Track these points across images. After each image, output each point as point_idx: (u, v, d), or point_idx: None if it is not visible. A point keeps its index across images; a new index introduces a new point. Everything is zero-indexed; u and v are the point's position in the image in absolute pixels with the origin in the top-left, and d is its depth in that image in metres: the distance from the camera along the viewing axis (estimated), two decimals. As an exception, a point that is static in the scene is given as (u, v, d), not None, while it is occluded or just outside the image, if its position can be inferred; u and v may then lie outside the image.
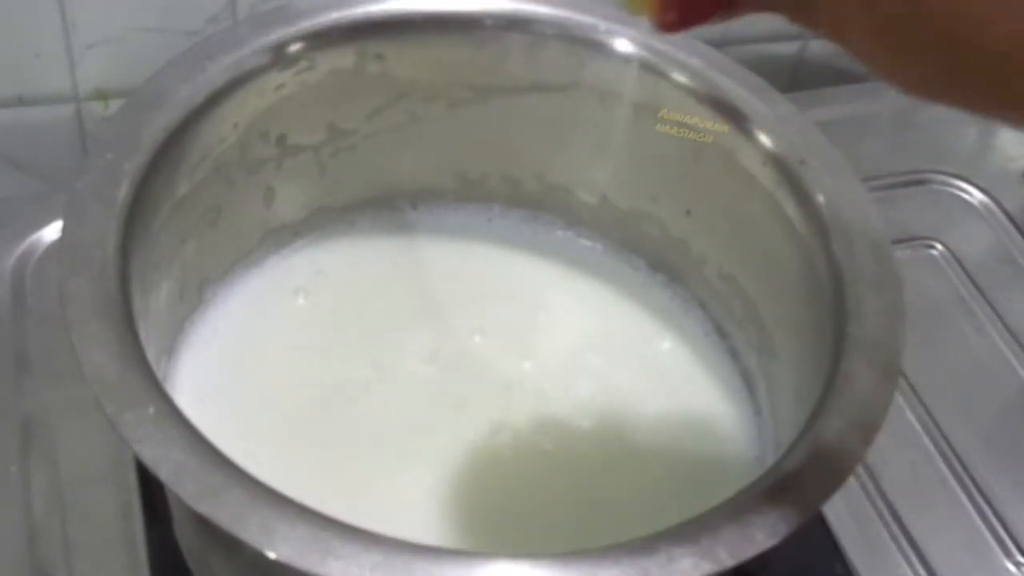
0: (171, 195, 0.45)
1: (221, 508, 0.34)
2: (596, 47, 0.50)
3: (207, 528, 0.37)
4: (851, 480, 0.38)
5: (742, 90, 0.49)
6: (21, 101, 0.61)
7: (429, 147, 0.53)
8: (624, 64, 0.50)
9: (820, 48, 0.73)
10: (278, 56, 0.47)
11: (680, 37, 0.50)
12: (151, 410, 0.36)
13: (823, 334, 0.43)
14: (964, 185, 0.66)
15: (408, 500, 0.45)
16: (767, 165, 0.47)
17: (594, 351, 0.51)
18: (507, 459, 0.47)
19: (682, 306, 0.53)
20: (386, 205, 0.54)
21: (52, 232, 0.56)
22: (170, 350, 0.47)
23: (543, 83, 0.51)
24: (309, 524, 0.34)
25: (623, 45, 0.50)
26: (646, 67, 0.50)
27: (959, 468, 0.54)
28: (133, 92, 0.45)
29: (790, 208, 0.47)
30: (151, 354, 0.39)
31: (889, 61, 0.28)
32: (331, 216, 0.53)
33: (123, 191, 0.42)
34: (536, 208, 0.55)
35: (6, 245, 0.56)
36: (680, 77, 0.49)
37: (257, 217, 0.51)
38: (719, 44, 0.50)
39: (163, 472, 0.35)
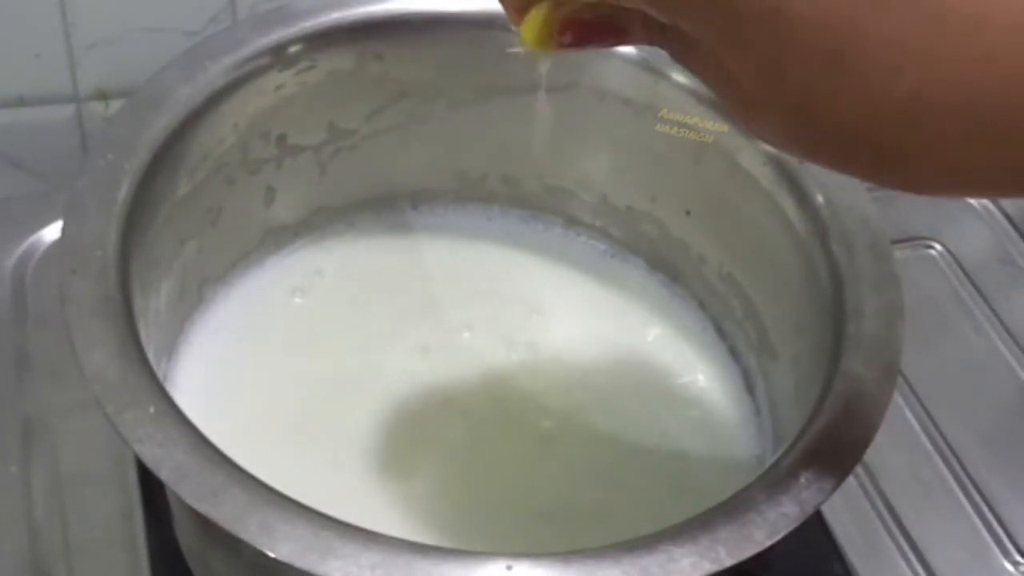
0: (171, 195, 0.45)
1: (221, 508, 0.34)
2: (596, 47, 0.50)
3: (207, 528, 0.37)
4: (850, 480, 0.38)
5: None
6: (21, 101, 0.61)
7: (429, 147, 0.53)
8: (624, 64, 0.50)
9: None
10: (278, 56, 0.48)
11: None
12: (151, 410, 0.36)
13: (823, 334, 0.43)
14: (963, 185, 0.66)
15: (405, 498, 0.45)
16: (767, 165, 0.47)
17: (593, 350, 0.51)
18: (505, 458, 0.47)
19: (681, 306, 0.53)
20: (386, 205, 0.55)
21: (52, 232, 0.56)
22: (170, 350, 0.47)
23: (543, 83, 0.51)
24: (309, 523, 0.34)
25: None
26: (646, 67, 0.50)
27: (958, 468, 0.54)
28: (133, 92, 0.45)
29: (790, 208, 0.47)
30: (151, 354, 0.39)
31: (756, 121, 0.31)
32: (331, 216, 0.53)
33: (123, 191, 0.42)
34: (536, 208, 0.55)
35: (6, 245, 0.56)
36: (680, 77, 0.49)
37: (257, 217, 0.51)
38: (719, 44, 0.50)
39: (163, 472, 0.35)
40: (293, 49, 0.48)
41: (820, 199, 0.46)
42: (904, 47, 0.27)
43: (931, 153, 0.28)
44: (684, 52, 0.32)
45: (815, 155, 0.30)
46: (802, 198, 0.46)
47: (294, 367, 0.49)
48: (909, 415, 0.56)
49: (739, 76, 0.30)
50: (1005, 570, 0.51)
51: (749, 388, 0.50)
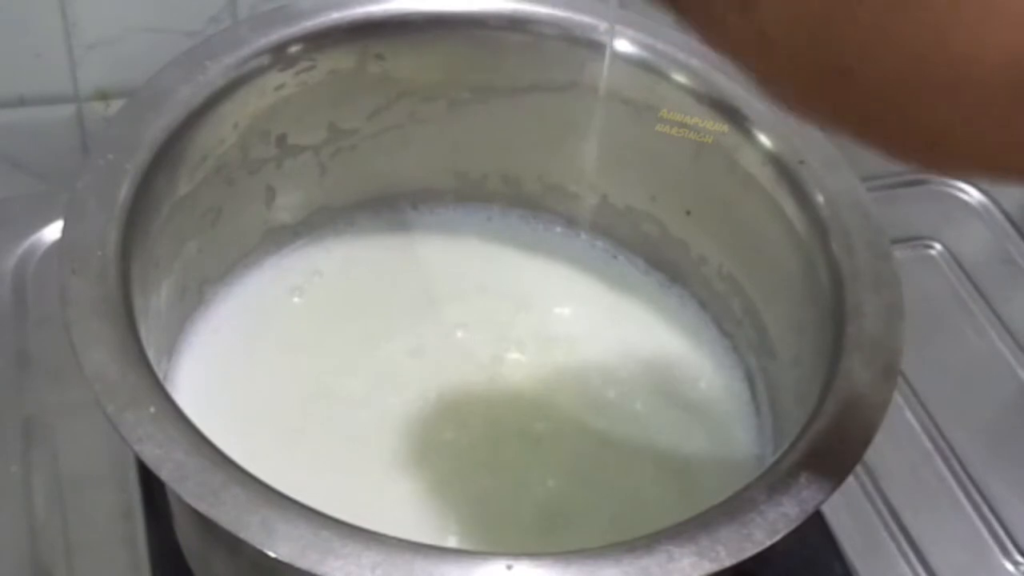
0: (171, 195, 0.45)
1: (221, 507, 0.34)
2: (596, 47, 0.50)
3: (208, 527, 0.37)
4: (850, 480, 0.38)
5: (742, 90, 0.49)
6: (22, 101, 0.61)
7: (429, 147, 0.53)
8: (624, 64, 0.50)
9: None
10: (278, 56, 0.48)
11: (680, 37, 0.50)
12: (151, 410, 0.36)
13: (823, 334, 0.43)
14: (963, 185, 0.66)
15: (405, 497, 0.45)
16: (767, 165, 0.47)
17: (592, 350, 0.51)
18: (505, 457, 0.47)
19: (681, 305, 0.53)
20: (386, 205, 0.55)
21: (53, 232, 0.56)
22: (170, 350, 0.47)
23: (543, 83, 0.51)
24: (309, 523, 0.34)
25: (623, 45, 0.50)
26: (646, 67, 0.50)
27: (958, 468, 0.54)
28: (133, 92, 0.45)
29: (790, 208, 0.47)
30: (151, 354, 0.39)
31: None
32: (331, 216, 0.53)
33: (123, 191, 0.42)
34: (536, 208, 0.55)
35: (7, 245, 0.56)
36: (680, 77, 0.49)
37: (257, 217, 0.51)
38: (719, 44, 0.50)
39: (164, 472, 0.35)
40: (293, 49, 0.48)
41: (820, 199, 0.46)
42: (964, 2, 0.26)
43: (967, 125, 0.27)
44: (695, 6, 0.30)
45: (841, 122, 0.29)
46: (802, 198, 0.46)
47: (294, 367, 0.49)
48: (909, 415, 0.56)
49: (770, 30, 0.28)
50: (1005, 570, 0.51)
51: (749, 388, 0.50)
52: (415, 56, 0.50)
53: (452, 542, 0.43)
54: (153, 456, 0.35)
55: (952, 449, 0.55)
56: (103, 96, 0.62)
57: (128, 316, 0.39)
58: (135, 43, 0.60)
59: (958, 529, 0.52)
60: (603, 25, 0.50)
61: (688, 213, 0.52)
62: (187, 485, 0.34)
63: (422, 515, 0.45)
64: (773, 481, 0.37)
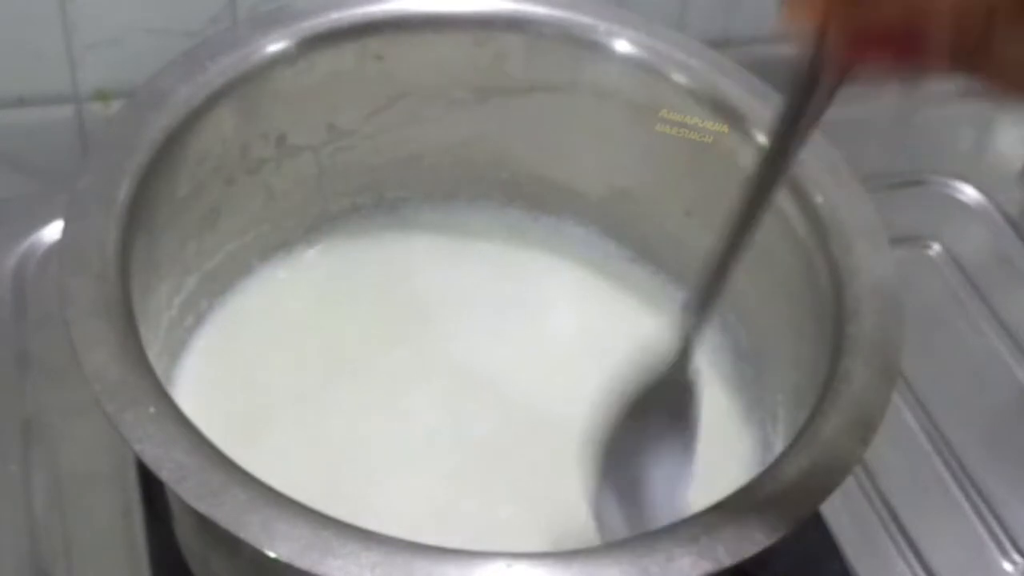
0: (171, 195, 0.45)
1: (221, 508, 0.34)
2: (596, 47, 0.50)
3: (207, 527, 0.37)
4: (849, 480, 0.38)
5: (741, 91, 0.49)
6: (21, 101, 0.61)
7: (429, 147, 0.53)
8: (624, 64, 0.50)
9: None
10: (278, 56, 0.48)
11: (680, 37, 0.50)
12: (151, 410, 0.36)
13: (822, 334, 0.43)
14: (962, 186, 0.66)
15: (406, 496, 0.45)
16: (766, 165, 0.47)
17: (592, 350, 0.51)
18: (504, 455, 0.47)
19: (681, 306, 0.53)
20: (385, 205, 0.55)
21: (52, 232, 0.56)
22: (170, 350, 0.47)
23: (543, 83, 0.51)
24: (309, 523, 0.34)
25: (623, 45, 0.50)
26: (646, 67, 0.50)
27: (957, 468, 0.54)
28: (133, 92, 0.45)
29: (790, 208, 0.47)
30: (151, 354, 0.39)
31: None
32: (330, 216, 0.54)
33: (123, 191, 0.42)
34: (535, 207, 0.55)
35: (6, 245, 0.56)
36: (680, 77, 0.49)
37: (257, 217, 0.51)
38: (719, 45, 0.51)
39: (164, 472, 0.35)
40: (293, 49, 0.48)
41: (820, 199, 0.46)
42: None
43: None
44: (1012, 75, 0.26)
45: None
46: (802, 198, 0.46)
47: (294, 367, 0.49)
48: (908, 415, 0.56)
49: None
50: (1003, 569, 0.51)
51: (748, 388, 0.50)
52: (415, 56, 0.50)
53: (452, 541, 0.43)
54: (153, 456, 0.35)
55: (951, 449, 0.55)
56: (103, 96, 0.62)
57: (128, 316, 0.39)
58: (135, 43, 0.60)
59: (957, 529, 0.52)
60: (603, 25, 0.50)
61: (688, 213, 0.52)
62: (187, 485, 0.34)
63: (422, 513, 0.45)
64: (772, 481, 0.37)
